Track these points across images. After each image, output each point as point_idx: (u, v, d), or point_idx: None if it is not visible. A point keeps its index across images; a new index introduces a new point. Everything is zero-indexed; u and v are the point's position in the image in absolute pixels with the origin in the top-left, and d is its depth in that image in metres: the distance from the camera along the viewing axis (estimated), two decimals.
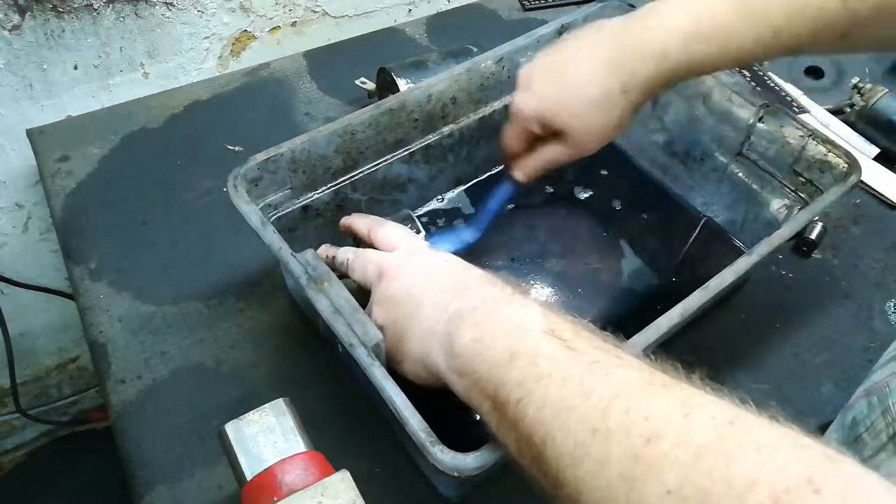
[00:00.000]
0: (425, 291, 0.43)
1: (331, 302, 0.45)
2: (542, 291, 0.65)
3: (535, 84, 0.53)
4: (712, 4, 0.48)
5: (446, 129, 0.65)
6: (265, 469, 0.38)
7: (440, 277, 0.44)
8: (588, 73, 0.51)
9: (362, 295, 0.47)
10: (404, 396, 0.40)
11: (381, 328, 0.44)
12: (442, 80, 0.62)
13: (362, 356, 0.42)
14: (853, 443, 0.46)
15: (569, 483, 0.32)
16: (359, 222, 0.53)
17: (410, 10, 1.00)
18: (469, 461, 0.38)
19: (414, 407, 0.40)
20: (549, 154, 0.56)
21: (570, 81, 0.52)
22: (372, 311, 0.46)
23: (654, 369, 0.34)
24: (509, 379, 0.35)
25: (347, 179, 0.60)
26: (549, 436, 0.33)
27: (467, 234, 0.64)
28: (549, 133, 0.55)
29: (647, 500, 0.29)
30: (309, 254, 0.47)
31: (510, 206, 0.70)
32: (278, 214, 0.57)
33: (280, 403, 0.41)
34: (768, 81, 0.88)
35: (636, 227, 0.71)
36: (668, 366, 0.34)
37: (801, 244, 0.70)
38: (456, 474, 0.38)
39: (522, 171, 0.58)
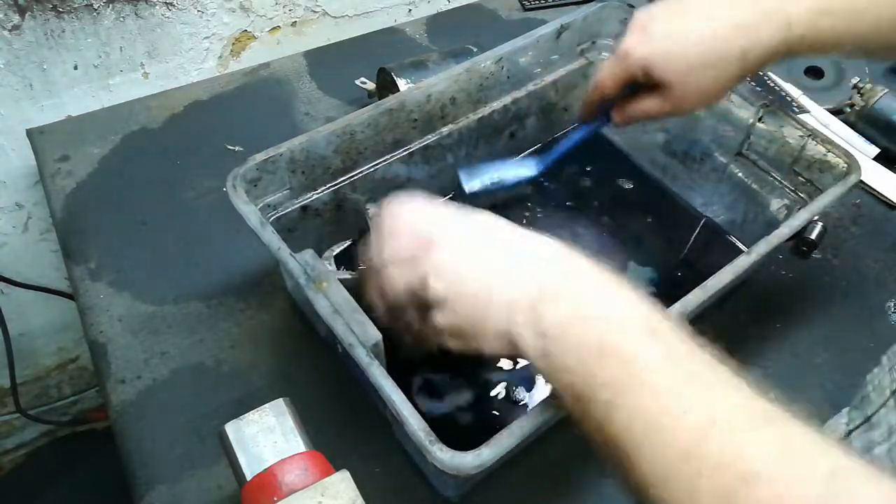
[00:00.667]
0: (493, 256, 0.39)
1: (330, 302, 0.44)
2: None
3: (651, 29, 0.51)
4: None
5: (445, 130, 0.65)
6: (265, 469, 0.38)
7: (493, 237, 0.40)
8: (709, 31, 0.49)
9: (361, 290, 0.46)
10: (403, 396, 0.40)
11: (444, 300, 0.39)
12: (441, 81, 0.62)
13: (361, 356, 0.42)
14: (861, 402, 0.46)
15: (653, 499, 0.30)
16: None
17: (410, 10, 1.00)
18: (468, 460, 0.38)
19: (413, 407, 0.40)
20: (648, 106, 0.54)
21: (689, 36, 0.50)
22: (427, 285, 0.39)
23: (755, 394, 0.31)
24: (599, 376, 0.33)
25: (347, 180, 0.60)
26: (637, 450, 0.31)
27: (530, 165, 0.65)
28: (651, 83, 0.52)
29: None
30: (308, 254, 0.47)
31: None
32: (277, 215, 0.57)
33: (280, 403, 0.41)
34: (768, 81, 0.88)
35: (635, 227, 0.71)
36: (766, 388, 0.32)
37: (801, 244, 0.70)
38: (455, 473, 0.38)
39: (620, 116, 0.56)
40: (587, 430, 0.34)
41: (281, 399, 0.41)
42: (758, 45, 0.48)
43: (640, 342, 0.33)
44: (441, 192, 0.70)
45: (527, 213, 0.71)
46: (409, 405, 0.40)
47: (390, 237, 0.42)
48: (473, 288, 0.39)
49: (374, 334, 0.43)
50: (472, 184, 0.65)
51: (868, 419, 0.45)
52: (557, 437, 0.52)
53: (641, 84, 0.54)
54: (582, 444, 0.35)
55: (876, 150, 0.81)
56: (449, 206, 0.43)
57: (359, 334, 0.43)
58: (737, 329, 0.63)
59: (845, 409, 0.49)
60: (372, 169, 0.61)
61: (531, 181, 0.66)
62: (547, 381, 0.37)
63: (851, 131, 0.83)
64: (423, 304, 0.40)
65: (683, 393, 0.31)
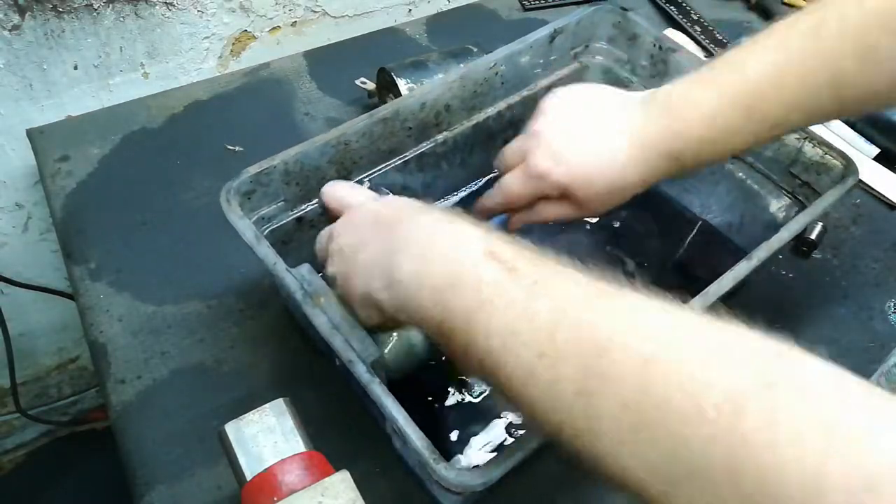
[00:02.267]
0: (365, 234, 0.43)
1: (328, 318, 0.44)
2: None
3: (564, 152, 0.53)
4: (721, 109, 0.49)
5: (440, 137, 0.65)
6: (265, 469, 0.38)
7: (379, 218, 0.44)
8: (615, 165, 0.52)
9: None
10: (405, 413, 0.40)
11: (333, 279, 0.45)
12: (435, 88, 0.62)
13: (362, 373, 0.42)
14: None
15: (524, 402, 0.32)
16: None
17: (410, 10, 1.00)
18: (474, 478, 0.37)
19: (415, 423, 0.40)
20: (555, 212, 0.56)
21: (598, 164, 0.53)
22: (326, 270, 0.46)
23: (596, 281, 0.34)
24: (453, 307, 0.35)
25: None
26: (499, 363, 0.33)
27: None
28: (557, 195, 0.55)
29: (604, 415, 0.29)
30: (304, 269, 0.47)
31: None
32: (272, 227, 0.56)
33: (280, 403, 0.41)
34: None
35: (632, 230, 0.71)
36: (609, 274, 0.34)
37: (801, 244, 0.70)
38: (460, 491, 0.37)
39: (518, 223, 0.59)
40: (459, 361, 0.36)
41: (281, 399, 0.41)
42: (654, 174, 0.52)
43: (482, 266, 0.35)
44: (435, 200, 0.70)
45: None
46: (412, 423, 0.40)
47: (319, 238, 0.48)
48: (345, 260, 0.43)
49: (374, 350, 0.43)
50: None
51: None
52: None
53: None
54: None
55: (876, 150, 0.81)
56: (362, 197, 0.48)
57: (359, 350, 0.42)
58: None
59: None
60: (367, 178, 0.61)
61: None
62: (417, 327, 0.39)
63: (851, 131, 0.83)
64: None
65: (528, 300, 0.33)
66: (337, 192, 0.51)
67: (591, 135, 0.53)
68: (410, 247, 0.39)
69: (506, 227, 0.61)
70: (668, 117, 0.51)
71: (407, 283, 0.38)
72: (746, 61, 0.49)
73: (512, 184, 0.56)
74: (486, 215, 0.61)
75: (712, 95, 0.49)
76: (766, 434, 0.25)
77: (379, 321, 0.43)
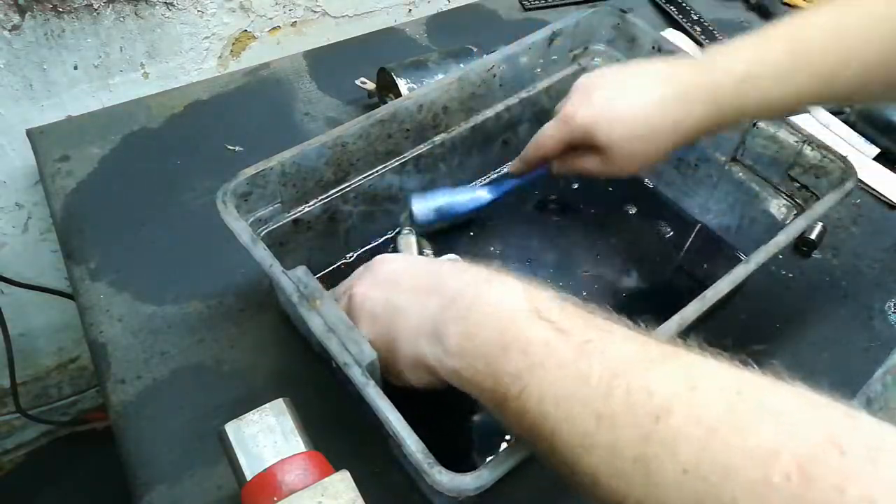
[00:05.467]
0: (400, 294, 0.43)
1: (324, 320, 0.44)
2: None
3: (594, 96, 0.54)
4: (767, 49, 0.48)
5: (438, 139, 0.65)
6: (265, 469, 0.38)
7: (409, 277, 0.43)
8: (644, 104, 0.52)
9: None
10: (400, 416, 0.40)
11: (370, 343, 0.43)
12: (433, 90, 0.62)
13: (357, 375, 0.41)
14: (867, 403, 0.46)
15: (584, 472, 0.31)
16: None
17: (410, 10, 1.00)
18: (468, 482, 0.37)
19: (410, 427, 0.39)
20: (588, 165, 0.57)
21: (626, 105, 0.52)
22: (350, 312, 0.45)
23: (649, 339, 0.33)
24: (505, 372, 0.34)
25: (338, 192, 0.60)
26: (556, 427, 0.32)
27: (482, 193, 0.66)
28: (590, 146, 0.55)
29: (664, 482, 0.28)
30: (300, 271, 0.47)
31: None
32: (269, 229, 0.56)
33: (280, 403, 0.41)
34: None
35: (630, 234, 0.71)
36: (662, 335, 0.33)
37: (801, 244, 0.70)
38: (455, 496, 0.37)
39: (560, 167, 0.60)
40: (515, 431, 0.36)
41: (281, 399, 0.41)
42: (687, 121, 0.51)
43: (530, 327, 0.35)
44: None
45: (521, 223, 0.71)
46: (408, 426, 0.39)
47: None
48: (385, 325, 0.42)
49: (370, 353, 0.42)
50: (425, 212, 0.65)
51: None
52: None
53: (579, 145, 0.56)
54: None
55: (876, 150, 0.81)
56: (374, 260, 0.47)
57: (354, 353, 0.42)
58: (736, 329, 0.63)
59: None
60: (364, 180, 0.61)
61: (483, 208, 0.67)
62: (471, 395, 0.38)
63: (851, 131, 0.83)
64: None
65: (580, 361, 0.32)
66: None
67: (625, 80, 0.53)
68: (458, 310, 0.38)
69: (547, 176, 0.62)
70: (709, 60, 0.50)
71: (456, 352, 0.37)
72: (794, 18, 0.48)
73: (544, 130, 0.58)
74: (526, 167, 0.62)
75: (758, 39, 0.48)
76: (837, 500, 0.24)
77: (432, 383, 0.42)
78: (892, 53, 0.46)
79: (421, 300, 0.41)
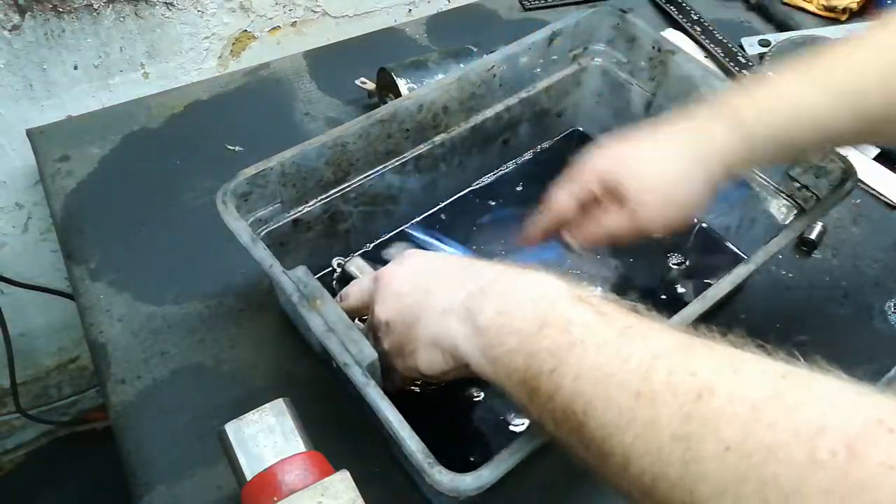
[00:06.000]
0: (432, 278, 0.42)
1: (324, 320, 0.44)
2: None
3: (610, 146, 0.50)
4: (802, 96, 0.46)
5: (438, 139, 0.65)
6: (265, 469, 0.38)
7: (445, 265, 0.44)
8: (665, 158, 0.48)
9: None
10: (401, 416, 0.40)
11: (385, 324, 0.43)
12: (433, 90, 0.61)
13: (357, 375, 0.41)
14: None
15: (615, 452, 0.31)
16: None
17: (410, 10, 1.00)
18: (468, 482, 0.37)
19: (410, 427, 0.39)
20: (611, 221, 0.50)
21: (650, 155, 0.49)
22: (373, 312, 0.45)
23: (690, 331, 0.33)
24: (541, 349, 0.34)
25: (338, 192, 0.60)
26: (589, 405, 0.32)
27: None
28: (609, 198, 0.50)
29: (704, 459, 0.27)
30: (300, 271, 0.47)
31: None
32: (269, 229, 0.56)
33: (280, 403, 0.41)
34: None
35: None
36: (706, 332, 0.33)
37: (801, 244, 0.70)
38: (455, 495, 0.37)
39: (577, 239, 0.53)
40: (539, 414, 0.35)
41: (281, 399, 0.41)
42: (715, 151, 0.48)
43: (571, 308, 0.35)
44: (433, 202, 0.70)
45: (513, 222, 0.70)
46: (408, 426, 0.39)
47: (351, 285, 0.48)
48: (409, 304, 0.42)
49: (370, 353, 0.42)
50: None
51: None
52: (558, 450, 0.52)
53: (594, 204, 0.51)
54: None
55: (876, 150, 0.81)
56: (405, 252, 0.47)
57: (354, 353, 0.42)
58: (736, 329, 0.63)
59: None
60: (364, 180, 0.61)
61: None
62: (489, 378, 0.38)
63: None
64: (376, 335, 0.45)
65: (621, 343, 0.32)
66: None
67: (639, 143, 0.50)
68: (497, 289, 0.38)
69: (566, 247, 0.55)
70: (731, 101, 0.48)
71: (488, 327, 0.37)
72: (830, 57, 0.46)
73: (557, 189, 0.52)
74: (539, 238, 0.56)
75: (791, 74, 0.46)
76: (885, 477, 0.23)
77: (442, 368, 0.41)
78: None
79: (454, 283, 0.41)
